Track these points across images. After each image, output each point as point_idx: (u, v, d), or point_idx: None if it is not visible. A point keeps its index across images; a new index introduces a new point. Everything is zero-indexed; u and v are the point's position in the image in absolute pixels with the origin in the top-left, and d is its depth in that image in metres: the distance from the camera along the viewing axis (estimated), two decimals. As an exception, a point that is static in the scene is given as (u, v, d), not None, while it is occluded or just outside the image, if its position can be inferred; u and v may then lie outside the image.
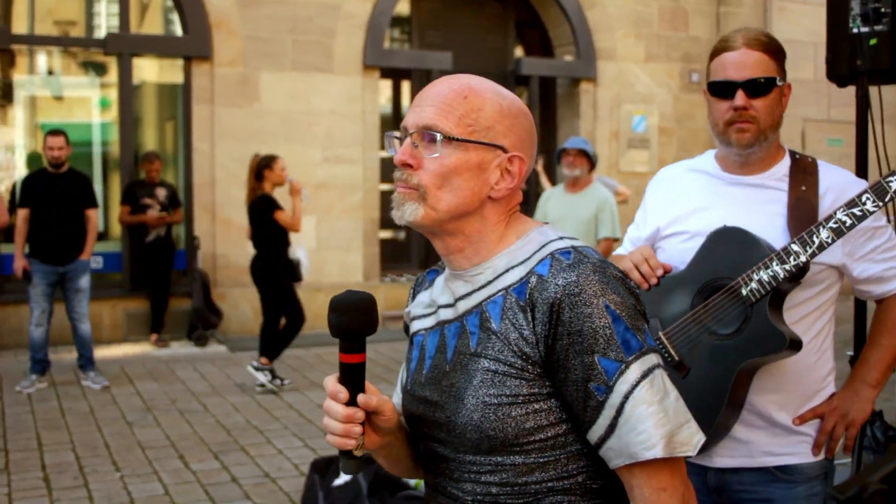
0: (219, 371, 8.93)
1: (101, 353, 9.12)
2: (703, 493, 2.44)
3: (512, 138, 1.67)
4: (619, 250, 2.79)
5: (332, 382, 1.63)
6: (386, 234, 11.81)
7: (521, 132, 1.69)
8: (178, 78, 10.85)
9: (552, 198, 7.47)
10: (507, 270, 1.66)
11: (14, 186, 9.02)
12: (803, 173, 2.42)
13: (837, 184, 2.40)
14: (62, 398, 7.78)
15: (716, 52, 2.43)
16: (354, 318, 1.60)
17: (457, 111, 1.64)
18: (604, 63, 12.24)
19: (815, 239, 2.27)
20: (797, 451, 2.44)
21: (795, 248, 2.28)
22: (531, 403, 1.59)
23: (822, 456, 2.47)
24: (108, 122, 11.14)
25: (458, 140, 1.64)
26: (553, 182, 9.89)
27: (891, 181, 2.27)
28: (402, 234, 12.16)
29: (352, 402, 1.61)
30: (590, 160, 7.21)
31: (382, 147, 11.55)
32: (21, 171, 10.62)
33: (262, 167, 8.04)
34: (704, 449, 2.30)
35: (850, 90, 3.54)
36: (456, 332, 1.70)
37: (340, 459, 1.65)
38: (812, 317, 2.42)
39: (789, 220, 2.36)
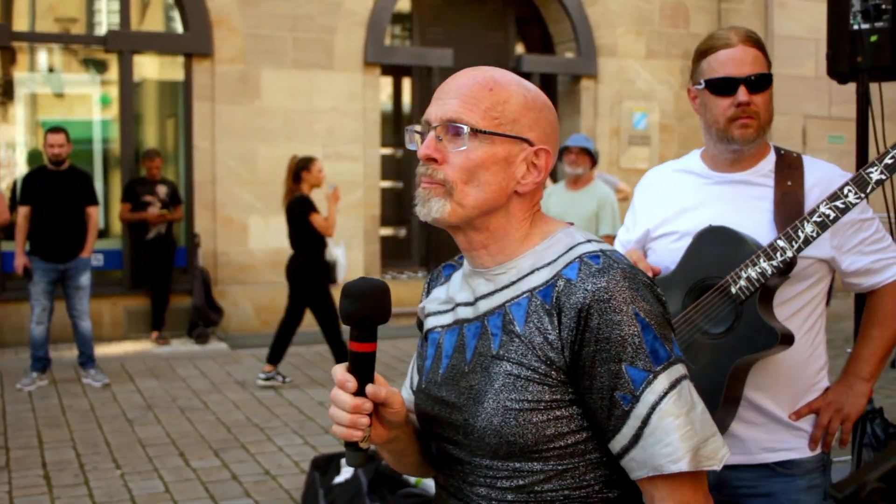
0: (219, 368, 8.93)
1: (101, 350, 9.13)
2: None
3: (537, 131, 1.63)
4: None
5: (340, 371, 1.58)
6: (387, 231, 11.81)
7: (546, 125, 1.65)
8: (179, 75, 10.85)
9: (553, 195, 7.46)
10: (532, 272, 1.62)
11: (15, 184, 9.02)
12: (788, 168, 2.44)
13: (824, 178, 2.41)
14: (63, 396, 7.78)
15: (709, 50, 2.43)
16: (367, 306, 1.55)
17: (482, 103, 1.60)
18: (605, 60, 12.23)
19: (800, 234, 2.28)
20: (795, 447, 2.45)
21: (781, 243, 2.29)
22: (553, 410, 1.55)
23: (819, 450, 2.48)
24: (109, 120, 11.14)
25: (484, 133, 1.59)
26: (555, 179, 9.89)
27: (871, 172, 2.29)
28: (402, 232, 12.15)
29: (360, 392, 1.56)
30: (592, 158, 7.21)
31: (384, 144, 11.59)
32: (22, 168, 10.62)
33: (299, 168, 8.09)
34: None
35: (851, 87, 3.54)
36: (476, 333, 1.66)
37: (346, 451, 1.60)
38: (804, 312, 2.43)
39: (776, 214, 2.37)
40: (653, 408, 1.50)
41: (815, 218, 2.28)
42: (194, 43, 10.45)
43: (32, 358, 8.06)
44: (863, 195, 2.28)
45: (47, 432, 6.70)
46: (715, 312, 2.35)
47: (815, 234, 2.28)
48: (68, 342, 8.99)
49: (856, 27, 3.34)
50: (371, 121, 11.20)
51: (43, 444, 6.41)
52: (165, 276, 10.08)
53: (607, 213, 7.14)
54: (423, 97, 11.79)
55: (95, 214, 8.20)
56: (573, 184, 7.30)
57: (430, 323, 1.78)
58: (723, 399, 2.31)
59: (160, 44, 10.82)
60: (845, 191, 2.28)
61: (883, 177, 2.28)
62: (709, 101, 2.42)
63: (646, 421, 1.50)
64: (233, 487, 5.59)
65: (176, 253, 10.26)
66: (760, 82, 2.38)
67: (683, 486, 1.52)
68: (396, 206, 12.02)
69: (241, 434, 6.67)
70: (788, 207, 2.36)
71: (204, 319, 10.10)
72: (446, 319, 1.74)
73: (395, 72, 12.21)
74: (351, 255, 11.13)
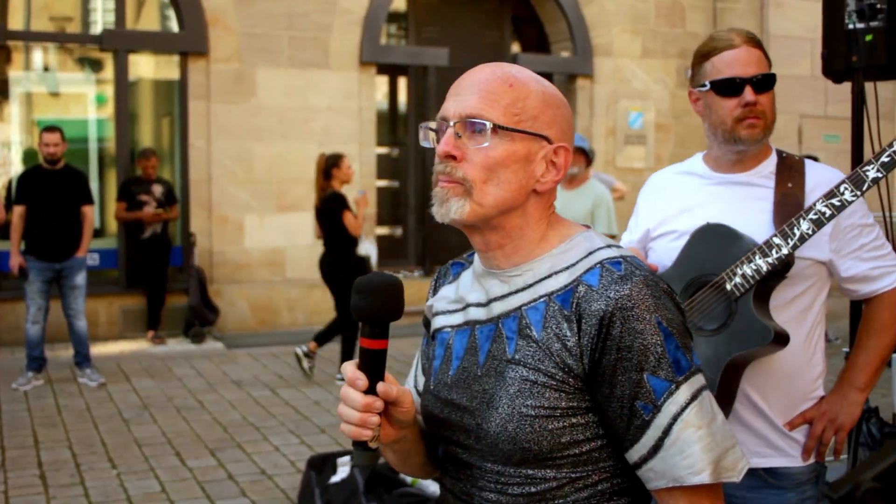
0: (215, 368, 8.92)
1: (97, 350, 9.12)
2: None
3: (556, 129, 1.60)
4: None
5: (351, 369, 1.53)
6: (383, 230, 11.81)
7: (564, 122, 1.62)
8: (175, 74, 10.84)
9: (548, 194, 7.46)
10: (549, 275, 1.58)
11: (10, 183, 9.01)
12: (790, 170, 2.43)
13: (825, 181, 2.39)
14: (58, 395, 7.77)
15: (711, 51, 2.43)
16: (381, 302, 1.51)
17: (502, 100, 1.56)
18: (600, 59, 12.23)
19: (795, 231, 2.27)
20: (786, 454, 2.43)
21: (777, 240, 2.28)
22: (569, 417, 1.52)
23: (812, 460, 2.45)
24: (104, 119, 11.12)
25: (506, 129, 1.55)
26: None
27: (867, 170, 2.29)
28: (398, 231, 12.15)
29: (370, 390, 1.52)
30: (587, 157, 7.21)
31: (379, 143, 11.59)
32: (17, 167, 10.61)
33: (330, 165, 8.18)
34: None
35: (847, 86, 3.54)
36: (489, 335, 1.61)
37: (353, 451, 1.56)
38: (802, 317, 2.42)
39: (775, 215, 2.36)
40: (674, 418, 1.47)
41: (810, 215, 2.28)
42: (190, 42, 10.44)
43: (28, 357, 8.05)
44: (859, 193, 2.28)
45: (43, 432, 6.69)
46: (710, 309, 2.34)
47: (810, 232, 2.27)
48: (64, 342, 8.98)
49: (851, 26, 3.34)
50: (367, 120, 11.20)
51: (39, 444, 6.40)
52: (161, 276, 10.07)
53: (602, 212, 7.13)
54: (419, 96, 11.80)
55: (91, 214, 8.18)
56: (568, 183, 7.29)
57: (438, 322, 1.74)
58: (715, 396, 2.30)
59: (155, 43, 10.81)
60: (841, 188, 2.28)
61: (879, 175, 2.28)
62: (714, 102, 2.42)
63: (667, 431, 1.48)
64: (229, 487, 5.58)
65: (171, 252, 10.26)
66: (765, 82, 2.39)
67: (702, 498, 1.50)
68: (392, 205, 12.02)
69: (238, 433, 6.67)
70: (788, 209, 2.35)
71: (200, 319, 10.09)
72: (456, 319, 1.70)
73: (391, 71, 12.20)
74: (347, 254, 11.12)
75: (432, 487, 4.72)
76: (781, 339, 2.29)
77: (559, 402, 1.51)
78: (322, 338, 8.31)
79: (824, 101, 12.32)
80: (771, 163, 2.46)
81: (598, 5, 12.16)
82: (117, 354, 9.45)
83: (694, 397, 1.49)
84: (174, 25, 10.82)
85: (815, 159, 2.81)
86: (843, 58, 3.39)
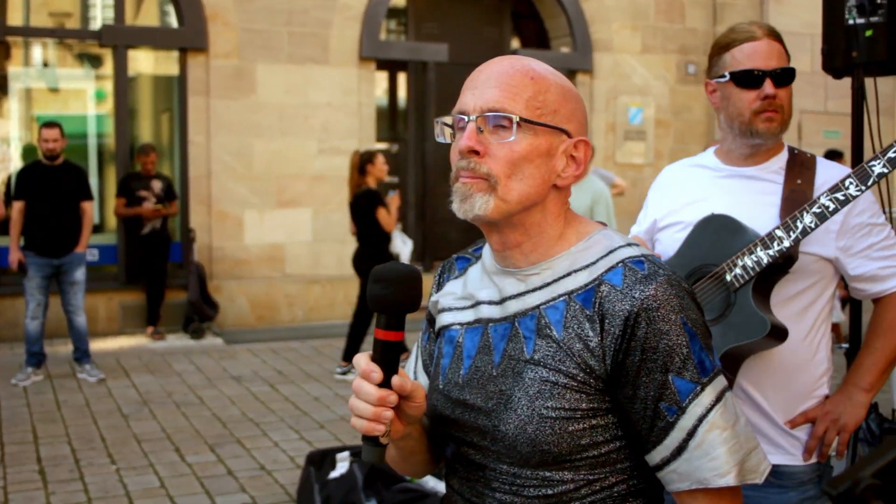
0: (215, 364, 8.92)
1: (96, 345, 9.12)
2: None
3: (575, 123, 1.57)
4: None
5: (365, 361, 1.47)
6: (382, 226, 11.80)
7: (581, 116, 1.60)
8: (174, 70, 10.83)
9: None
10: (568, 274, 1.55)
11: (9, 179, 9.01)
12: (800, 167, 2.41)
13: (835, 178, 2.36)
14: (58, 391, 7.77)
15: (731, 43, 2.41)
16: (400, 291, 1.46)
17: (524, 93, 1.52)
18: (600, 55, 12.23)
19: (798, 224, 2.26)
20: (787, 452, 2.40)
21: (779, 233, 2.27)
22: (590, 419, 1.49)
23: (813, 460, 2.43)
24: (104, 115, 11.12)
25: (530, 123, 1.51)
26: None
27: (873, 165, 2.27)
28: (398, 227, 12.14)
29: (384, 383, 1.46)
30: (586, 152, 7.20)
31: (379, 139, 11.59)
32: (16, 163, 10.61)
33: (364, 162, 8.24)
34: None
35: (847, 82, 3.53)
36: (505, 334, 1.57)
37: (363, 446, 1.50)
38: (803, 314, 2.39)
39: (782, 211, 2.34)
40: (700, 420, 1.46)
41: (814, 209, 2.26)
42: (189, 37, 10.43)
43: (27, 353, 8.05)
44: (864, 188, 2.25)
45: (42, 427, 6.69)
46: (709, 299, 2.33)
47: (813, 225, 2.25)
48: (63, 337, 8.98)
49: (851, 22, 3.33)
50: (366, 116, 11.19)
51: (38, 440, 6.40)
52: (160, 272, 10.07)
53: (601, 208, 7.13)
54: (419, 92, 11.79)
55: (90, 209, 8.18)
56: (568, 179, 7.29)
57: (445, 319, 1.70)
58: None
59: (155, 38, 10.80)
60: (846, 183, 2.26)
61: (885, 170, 2.25)
62: (732, 93, 2.40)
63: (692, 433, 1.46)
64: (228, 482, 5.59)
65: (171, 248, 10.26)
66: (785, 76, 2.38)
67: (723, 500, 1.48)
68: (392, 201, 12.01)
69: (237, 429, 6.67)
70: (796, 205, 2.32)
71: (199, 314, 10.09)
72: (466, 317, 1.65)
73: (391, 66, 12.20)
74: (346, 250, 11.12)
75: (431, 483, 4.72)
76: (779, 333, 2.27)
77: (580, 403, 1.49)
78: (350, 352, 8.31)
79: (824, 96, 12.32)
80: (781, 158, 2.45)
81: (598, 1, 12.16)
82: (117, 350, 9.45)
83: (718, 399, 1.47)
84: (173, 21, 10.81)
85: (840, 154, 2.79)
86: (844, 53, 3.38)
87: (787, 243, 2.26)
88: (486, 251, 1.69)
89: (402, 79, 12.42)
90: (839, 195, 2.26)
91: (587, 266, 1.54)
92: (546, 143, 1.54)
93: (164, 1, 11.11)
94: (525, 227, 1.56)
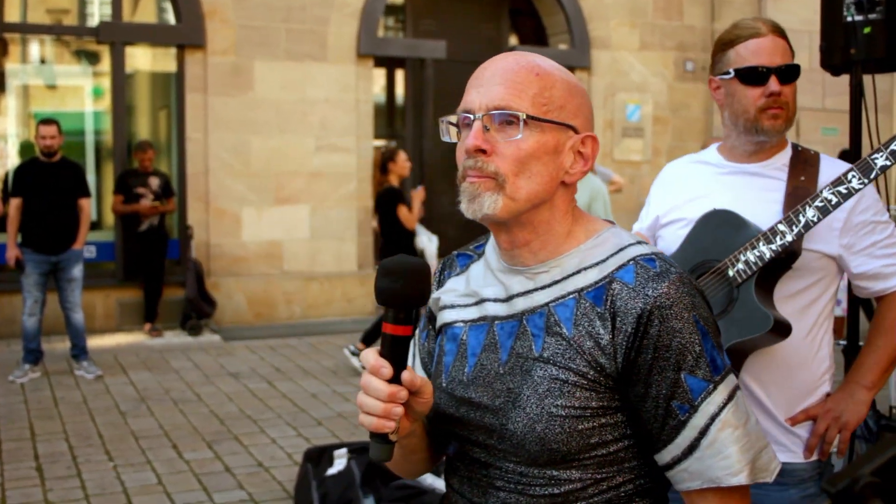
0: (212, 360, 8.91)
1: (94, 342, 9.11)
2: None
3: (581, 118, 1.56)
4: None
5: (374, 356, 1.44)
6: (380, 223, 11.80)
7: (588, 111, 1.59)
8: (171, 67, 10.82)
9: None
10: (578, 271, 1.53)
11: (6, 175, 8.99)
12: (804, 164, 2.41)
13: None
14: (55, 388, 7.77)
15: (736, 39, 2.40)
16: (410, 285, 1.43)
17: (530, 90, 1.50)
18: (598, 52, 12.22)
19: (801, 218, 2.25)
20: (788, 450, 2.39)
21: (782, 227, 2.26)
22: (599, 417, 1.48)
23: (815, 457, 2.42)
24: (101, 111, 11.11)
25: (536, 120, 1.50)
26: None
27: (876, 158, 2.26)
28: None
29: (394, 379, 1.43)
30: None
31: (377, 136, 11.58)
32: (13, 160, 10.59)
33: (386, 160, 8.37)
34: None
35: (844, 79, 3.53)
36: (512, 332, 1.56)
37: (371, 444, 1.47)
38: (806, 311, 2.38)
39: (786, 207, 2.33)
40: (712, 419, 1.45)
41: (816, 202, 2.25)
42: (187, 34, 10.42)
43: (25, 350, 8.04)
44: (866, 181, 2.24)
45: (40, 424, 6.69)
46: (711, 295, 2.31)
47: (815, 219, 2.24)
48: (61, 334, 8.97)
49: (849, 19, 3.33)
50: (364, 112, 11.18)
51: (35, 437, 6.39)
52: (158, 268, 10.06)
53: (599, 205, 7.13)
54: (417, 89, 11.78)
55: (87, 206, 8.17)
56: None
57: (447, 316, 1.68)
58: None
59: (152, 35, 10.79)
60: (849, 176, 2.25)
61: (888, 163, 2.25)
62: (737, 90, 2.39)
63: (704, 432, 1.45)
64: (226, 479, 5.58)
65: (168, 245, 10.25)
66: (791, 73, 2.37)
67: (734, 499, 1.48)
68: (390, 198, 12.01)
69: (234, 426, 6.67)
70: (799, 202, 2.31)
71: (197, 311, 10.09)
72: (470, 314, 1.63)
73: (389, 63, 12.21)
74: (344, 247, 11.14)
75: (429, 480, 4.72)
76: (782, 328, 2.26)
77: (590, 401, 1.48)
78: (371, 338, 8.34)
79: (822, 93, 12.32)
80: (785, 155, 2.44)
81: (596, -2, 12.15)
82: (114, 347, 9.45)
83: (730, 397, 1.47)
84: (171, 18, 10.79)
85: (858, 156, 2.76)
86: (842, 51, 3.38)
87: (789, 237, 2.25)
88: (490, 248, 1.67)
89: (399, 76, 12.42)
90: (842, 188, 2.25)
91: (597, 263, 1.53)
92: (553, 140, 1.52)
93: (162, -3, 11.10)
94: (534, 225, 1.55)
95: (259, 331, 10.30)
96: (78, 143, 10.86)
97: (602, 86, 12.24)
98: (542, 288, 1.55)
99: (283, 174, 10.76)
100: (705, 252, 2.35)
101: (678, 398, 1.45)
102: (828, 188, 2.26)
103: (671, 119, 12.58)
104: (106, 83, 10.78)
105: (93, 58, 11.21)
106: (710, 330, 1.48)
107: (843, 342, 3.52)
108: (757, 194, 2.40)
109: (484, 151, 1.50)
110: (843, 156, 5.08)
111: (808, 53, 11.77)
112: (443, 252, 9.91)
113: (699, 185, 2.50)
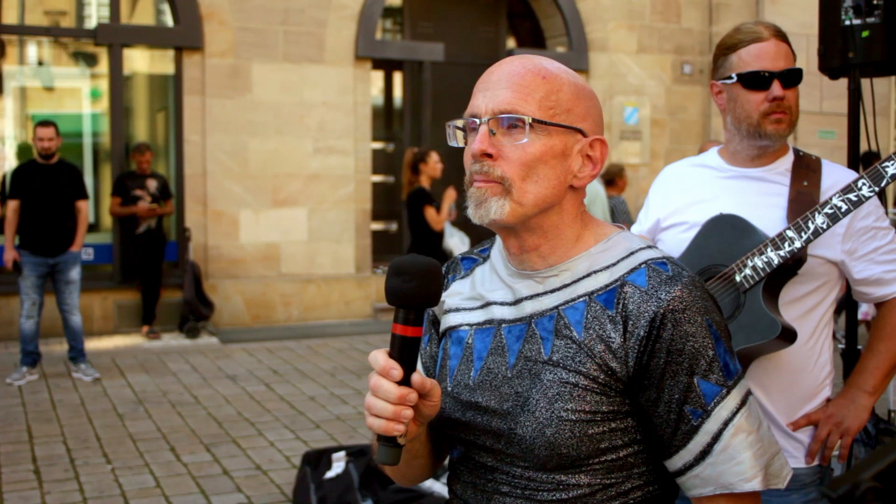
0: (210, 363, 8.91)
1: (92, 344, 9.10)
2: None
3: (589, 121, 1.54)
4: None
5: (383, 358, 1.41)
6: (377, 225, 11.80)
7: (596, 114, 1.56)
8: (169, 69, 10.82)
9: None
10: (588, 275, 1.52)
11: (4, 177, 8.98)
12: (806, 169, 2.40)
13: (841, 181, 2.35)
14: (53, 390, 7.76)
15: (738, 44, 2.39)
16: (423, 285, 1.40)
17: (536, 93, 1.49)
18: (596, 54, 12.23)
19: (810, 224, 2.24)
20: (790, 455, 2.39)
21: (790, 233, 2.25)
22: (610, 422, 1.46)
23: (816, 462, 2.42)
24: (99, 113, 11.10)
25: (542, 124, 1.48)
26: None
27: (887, 166, 2.24)
28: (393, 226, 12.14)
29: (403, 381, 1.40)
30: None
31: (375, 138, 11.58)
32: (11, 162, 10.58)
33: (417, 161, 8.36)
34: None
35: (842, 82, 3.53)
36: (520, 335, 1.54)
37: (379, 448, 1.43)
38: (810, 316, 2.38)
39: (789, 212, 2.33)
40: (725, 424, 1.43)
41: (826, 209, 2.24)
42: (184, 36, 10.42)
43: (22, 352, 8.03)
44: (877, 189, 2.23)
45: (37, 427, 6.68)
46: (719, 299, 2.30)
47: (825, 226, 2.24)
48: (58, 336, 8.97)
49: (847, 22, 3.33)
50: (362, 115, 11.18)
51: (33, 439, 6.39)
52: (156, 271, 10.06)
53: (597, 208, 7.15)
54: (415, 91, 11.79)
55: (85, 208, 8.17)
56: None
57: (452, 319, 1.65)
58: None
59: (150, 37, 10.79)
60: (859, 184, 2.24)
61: None
62: (740, 95, 2.38)
63: (717, 437, 1.43)
64: (224, 482, 5.58)
65: (166, 247, 10.25)
66: (793, 77, 2.36)
67: None
68: (387, 201, 12.01)
69: (232, 429, 6.66)
70: (802, 206, 2.31)
71: (195, 314, 10.08)
72: (476, 317, 1.61)
73: (386, 66, 12.20)
74: (342, 249, 11.13)
75: (427, 482, 4.71)
76: (789, 334, 2.26)
77: (600, 405, 1.46)
78: None
79: (819, 96, 12.33)
80: (787, 160, 2.44)
81: (594, 1, 12.16)
82: (112, 349, 9.44)
83: (743, 402, 1.45)
84: (169, 20, 10.79)
85: (877, 155, 2.76)
86: (840, 54, 3.38)
87: (798, 244, 2.24)
88: (496, 253, 1.66)
89: (397, 78, 12.41)
90: (852, 196, 2.24)
91: (607, 267, 1.52)
92: (560, 144, 1.51)
93: (160, 0, 11.09)
94: (543, 229, 1.53)
95: (257, 333, 10.30)
96: (76, 145, 10.85)
97: (600, 88, 12.24)
98: (552, 291, 1.54)
99: (281, 176, 10.76)
100: (711, 256, 2.34)
101: (691, 403, 1.44)
102: (837, 195, 2.25)
103: (669, 122, 12.59)
104: (104, 85, 10.78)
105: (90, 60, 11.20)
106: (723, 334, 1.46)
107: (841, 346, 3.51)
108: (760, 199, 2.39)
109: (490, 156, 1.49)
110: (867, 157, 5.05)
111: (805, 56, 11.79)
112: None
113: (701, 188, 2.49)
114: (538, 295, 1.55)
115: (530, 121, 1.47)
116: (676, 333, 1.43)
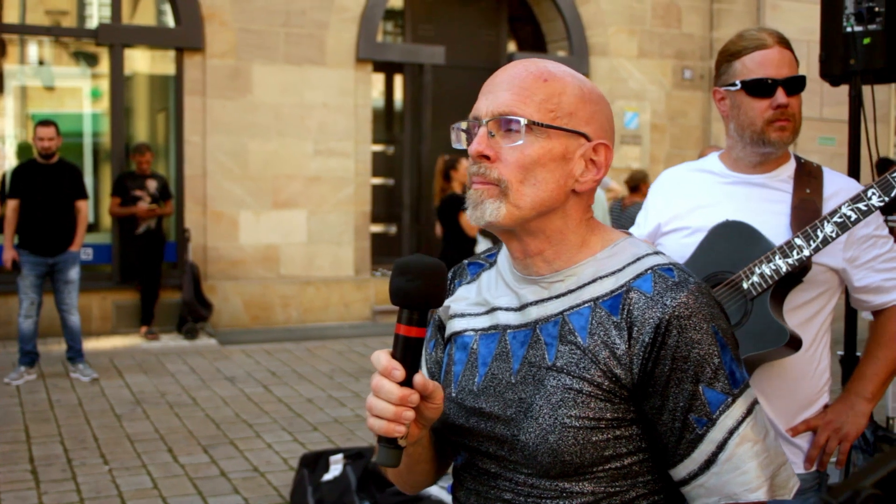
0: (208, 364, 8.90)
1: (90, 345, 9.09)
2: None
3: (594, 126, 1.52)
4: None
5: (386, 358, 1.39)
6: (377, 227, 11.80)
7: (604, 119, 1.55)
8: (170, 69, 10.82)
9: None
10: (593, 280, 1.50)
11: (4, 177, 8.98)
12: (808, 176, 2.40)
13: (843, 189, 2.36)
14: (51, 390, 7.75)
15: (742, 51, 2.38)
16: (427, 284, 1.38)
17: (537, 95, 1.48)
18: (596, 59, 12.24)
19: (819, 233, 2.24)
20: (790, 461, 2.34)
21: (799, 241, 2.25)
22: (614, 429, 1.44)
23: (814, 468, 2.42)
24: (100, 113, 11.10)
25: (540, 126, 1.46)
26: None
27: None
28: (393, 229, 12.15)
29: (405, 382, 1.38)
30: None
31: (375, 141, 11.58)
32: (11, 161, 10.58)
33: (448, 168, 8.36)
34: None
35: (842, 89, 3.54)
36: (524, 341, 1.52)
37: (380, 449, 1.41)
38: (808, 323, 2.39)
39: (792, 219, 2.33)
40: (730, 433, 1.41)
41: (835, 218, 2.24)
42: (185, 37, 10.42)
43: (20, 352, 8.03)
44: (887, 198, 2.23)
45: (35, 427, 6.68)
46: (725, 306, 2.30)
47: (834, 235, 2.24)
48: (57, 336, 8.96)
49: (849, 29, 3.34)
50: (362, 117, 11.18)
51: (30, 439, 6.38)
52: (155, 271, 10.05)
53: (598, 213, 7.15)
54: (415, 94, 11.79)
55: (85, 208, 8.17)
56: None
57: (457, 325, 1.64)
58: None
59: (151, 37, 10.79)
60: (869, 193, 2.24)
61: None
62: (744, 102, 2.38)
63: (722, 446, 1.41)
64: (221, 484, 5.57)
65: (165, 247, 10.24)
66: (797, 84, 2.36)
67: None
68: (387, 203, 12.02)
69: (230, 430, 6.66)
70: (805, 214, 2.31)
71: (193, 314, 10.07)
72: (481, 323, 1.60)
73: (387, 68, 12.20)
74: (341, 251, 11.13)
75: (425, 486, 4.71)
76: (795, 342, 2.26)
77: (604, 412, 1.44)
78: None
79: (820, 103, 12.33)
80: (789, 167, 2.44)
81: (595, 5, 12.17)
82: (110, 350, 9.43)
83: (749, 411, 1.43)
84: (170, 20, 10.80)
85: (894, 163, 2.76)
86: (841, 61, 3.38)
87: (807, 252, 2.24)
88: (502, 258, 1.64)
89: (398, 81, 12.42)
90: (861, 205, 2.24)
91: (613, 273, 1.50)
92: (561, 147, 1.49)
93: (161, 0, 11.09)
94: (546, 234, 1.52)
95: (255, 335, 10.29)
96: (76, 144, 10.85)
97: (600, 93, 12.24)
98: (557, 297, 1.52)
99: (281, 178, 10.76)
100: (718, 263, 2.34)
101: (696, 411, 1.42)
102: (847, 204, 2.25)
103: (669, 127, 12.59)
104: (104, 85, 10.78)
105: (91, 60, 11.21)
106: (729, 342, 1.44)
107: (839, 352, 3.51)
108: (763, 206, 2.39)
109: (487, 157, 1.48)
110: (882, 164, 5.07)
111: (806, 63, 11.79)
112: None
113: (703, 193, 2.48)
114: (543, 300, 1.53)
115: (525, 122, 1.46)
116: (682, 340, 1.41)
